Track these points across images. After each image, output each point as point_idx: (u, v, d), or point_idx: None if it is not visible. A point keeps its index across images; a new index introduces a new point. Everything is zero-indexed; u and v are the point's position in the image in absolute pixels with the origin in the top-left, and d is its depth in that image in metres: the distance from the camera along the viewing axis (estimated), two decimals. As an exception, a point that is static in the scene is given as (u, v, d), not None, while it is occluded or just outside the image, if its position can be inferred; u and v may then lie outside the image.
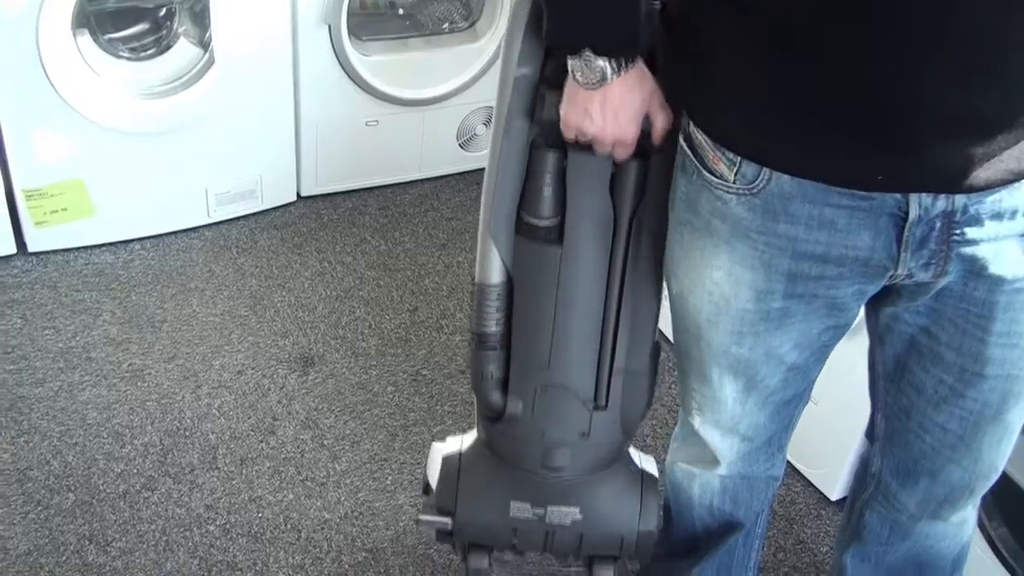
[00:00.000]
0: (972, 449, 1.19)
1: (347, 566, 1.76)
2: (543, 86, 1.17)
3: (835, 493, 2.00)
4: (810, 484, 2.02)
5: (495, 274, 1.23)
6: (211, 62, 2.37)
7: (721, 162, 1.05)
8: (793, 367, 1.19)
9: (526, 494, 1.31)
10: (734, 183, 1.04)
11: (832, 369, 1.75)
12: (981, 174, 0.96)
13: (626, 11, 1.06)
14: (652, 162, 1.18)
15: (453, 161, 2.83)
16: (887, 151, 0.96)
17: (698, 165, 1.08)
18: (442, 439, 1.43)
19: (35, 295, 2.31)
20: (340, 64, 2.54)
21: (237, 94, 2.41)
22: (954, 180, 0.97)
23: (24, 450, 1.92)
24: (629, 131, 1.12)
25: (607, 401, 1.27)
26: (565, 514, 1.31)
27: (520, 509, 1.31)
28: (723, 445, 1.30)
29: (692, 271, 1.15)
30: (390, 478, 1.95)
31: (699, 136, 1.07)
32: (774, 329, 1.14)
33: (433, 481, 1.38)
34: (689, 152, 1.09)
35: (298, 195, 2.71)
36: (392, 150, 2.73)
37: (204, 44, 2.40)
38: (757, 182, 1.03)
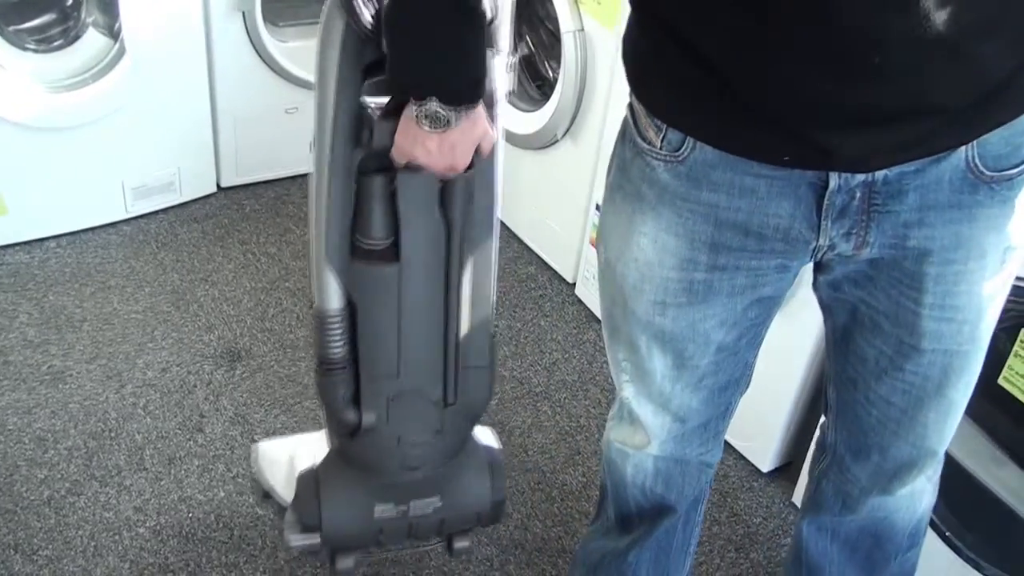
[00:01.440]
0: (917, 424, 1.21)
1: (282, 561, 1.73)
2: (369, 112, 1.16)
3: (766, 464, 2.03)
4: (742, 457, 2.04)
5: (334, 300, 1.24)
6: (122, 52, 2.31)
7: (651, 128, 1.07)
8: (722, 347, 1.20)
9: (388, 496, 1.37)
10: (661, 149, 1.07)
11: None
12: (883, 159, 0.98)
13: (475, 61, 1.08)
14: (476, 170, 1.19)
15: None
16: (791, 137, 0.98)
17: (634, 131, 1.10)
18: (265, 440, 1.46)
19: (-53, 298, 2.23)
20: (256, 51, 2.49)
21: (150, 85, 2.35)
22: (857, 163, 0.99)
23: (-59, 460, 1.86)
24: (464, 162, 1.16)
25: (456, 397, 1.33)
26: (427, 504, 1.38)
27: (384, 511, 1.37)
28: (655, 422, 1.30)
29: (621, 238, 1.16)
30: (323, 471, 1.93)
31: (635, 103, 1.10)
32: (698, 303, 1.15)
33: (272, 486, 1.40)
34: (629, 118, 1.12)
35: (218, 186, 2.66)
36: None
37: (114, 34, 2.33)
38: (682, 150, 1.05)
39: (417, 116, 1.08)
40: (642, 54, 1.08)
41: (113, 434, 1.95)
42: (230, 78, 2.49)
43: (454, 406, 1.33)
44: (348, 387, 1.29)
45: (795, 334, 1.85)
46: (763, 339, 1.26)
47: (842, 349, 1.24)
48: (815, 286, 1.23)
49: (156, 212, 2.55)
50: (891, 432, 1.24)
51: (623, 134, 1.14)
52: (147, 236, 2.48)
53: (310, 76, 2.61)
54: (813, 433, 1.92)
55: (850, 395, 1.26)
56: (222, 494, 1.86)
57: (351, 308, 1.24)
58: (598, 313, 2.38)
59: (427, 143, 1.11)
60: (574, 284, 2.48)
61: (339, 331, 1.25)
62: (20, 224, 2.38)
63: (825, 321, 1.28)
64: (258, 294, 2.35)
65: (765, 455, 2.03)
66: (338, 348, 1.25)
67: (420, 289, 1.24)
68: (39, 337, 2.15)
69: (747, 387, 1.33)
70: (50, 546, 1.73)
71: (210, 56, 2.44)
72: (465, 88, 1.08)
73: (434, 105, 1.06)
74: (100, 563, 1.71)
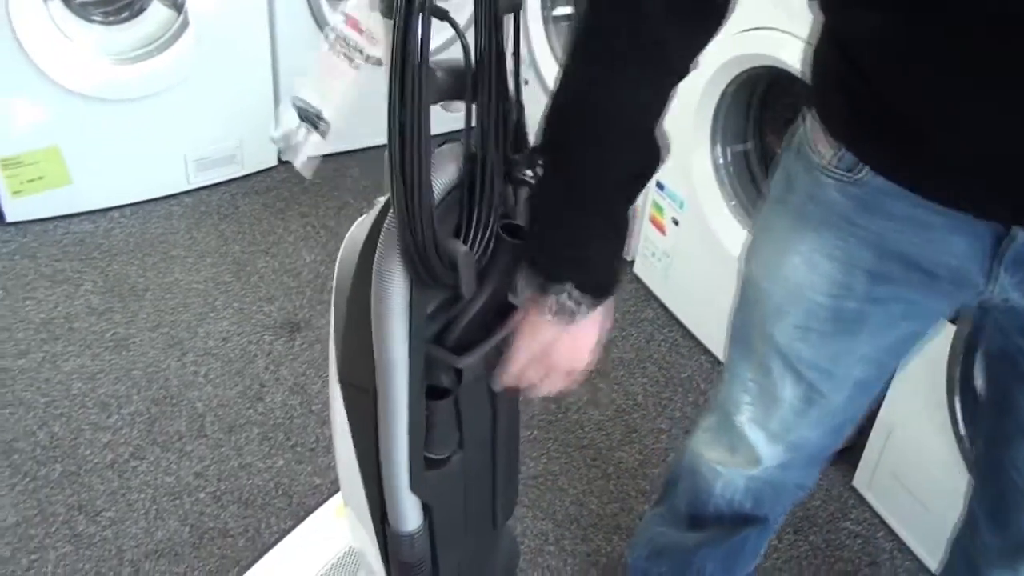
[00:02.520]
0: None
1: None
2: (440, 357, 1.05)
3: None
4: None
5: (415, 521, 1.17)
6: (185, 24, 2.33)
7: (826, 144, 1.00)
8: (859, 384, 1.14)
9: None
10: (835, 168, 1.00)
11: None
12: None
13: (624, 241, 0.96)
14: None
15: (434, 122, 2.80)
16: (980, 189, 0.91)
17: (807, 143, 1.04)
18: None
19: (15, 266, 2.27)
20: (317, 23, 2.49)
21: (213, 57, 2.37)
22: None
23: (9, 422, 1.89)
24: (580, 366, 1.04)
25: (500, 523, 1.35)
26: None
27: None
28: (766, 451, 1.24)
29: (772, 255, 1.11)
30: (380, 442, 1.94)
31: (813, 118, 1.03)
32: (844, 334, 1.09)
33: None
34: (803, 129, 1.05)
35: (279, 159, 2.67)
36: (373, 111, 2.67)
37: (178, 6, 2.35)
38: (856, 170, 0.98)
39: (545, 306, 0.95)
40: (830, 73, 1.00)
41: (174, 401, 1.98)
42: (292, 50, 2.50)
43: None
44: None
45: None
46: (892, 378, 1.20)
47: (998, 403, 1.14)
48: (973, 330, 1.16)
49: (217, 184, 2.57)
50: None
51: (793, 144, 1.07)
52: (208, 208, 2.51)
53: (372, 49, 2.56)
54: (874, 417, 1.90)
55: (1000, 455, 1.16)
56: (281, 462, 1.88)
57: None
58: (656, 291, 2.37)
59: (555, 343, 0.98)
60: (632, 262, 2.46)
61: (420, 542, 1.21)
62: (85, 194, 2.41)
63: (983, 371, 1.21)
64: (317, 266, 2.36)
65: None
66: (422, 557, 1.22)
67: (480, 469, 1.23)
68: (103, 305, 2.19)
69: (860, 418, 1.26)
70: (113, 508, 1.76)
71: (272, 29, 2.45)
72: (614, 273, 0.98)
73: (568, 297, 0.94)
74: (161, 526, 1.74)
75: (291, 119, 1.05)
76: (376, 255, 0.95)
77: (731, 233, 2.05)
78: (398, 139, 0.87)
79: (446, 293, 1.01)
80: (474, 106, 0.95)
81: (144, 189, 2.48)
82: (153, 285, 2.25)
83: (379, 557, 1.25)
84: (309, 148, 1.03)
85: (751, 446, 1.25)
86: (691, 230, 2.19)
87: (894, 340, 1.10)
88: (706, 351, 2.23)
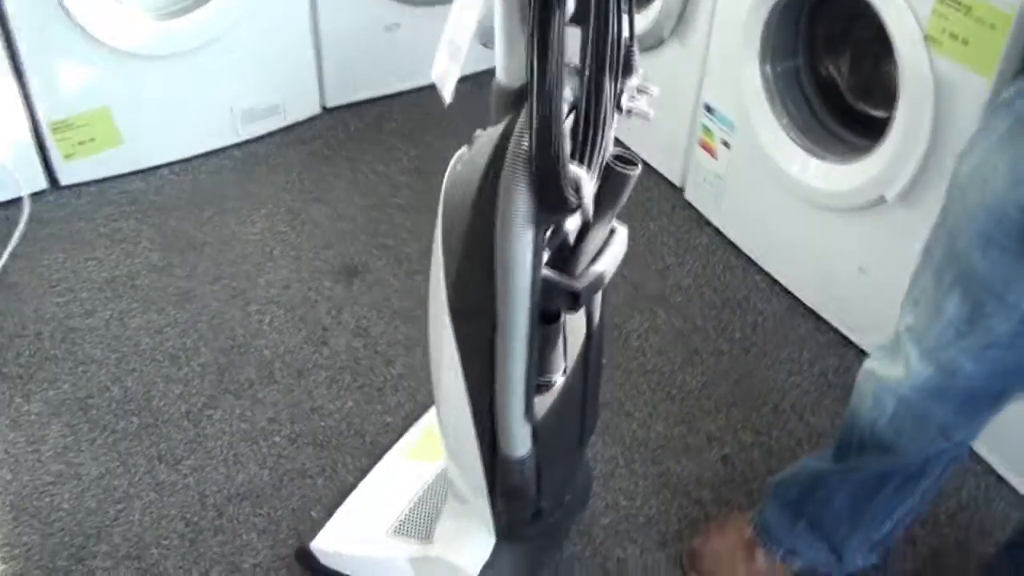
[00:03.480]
0: None
1: (414, 466, 1.78)
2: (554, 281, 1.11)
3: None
4: (865, 352, 2.02)
5: (524, 447, 1.22)
6: (223, -24, 2.32)
7: None
8: (1006, 345, 1.11)
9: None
10: None
11: (882, 239, 1.74)
12: None
13: None
14: None
15: (475, 60, 2.78)
16: None
17: None
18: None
19: (73, 228, 2.30)
20: (353, -31, 2.48)
21: (253, 7, 2.36)
22: None
23: (83, 380, 1.94)
24: None
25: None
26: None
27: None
28: (917, 367, 1.22)
29: (983, 155, 1.09)
30: (446, 378, 1.96)
31: None
32: None
33: None
34: None
35: (323, 107, 2.68)
36: (414, 53, 2.67)
37: (214, -42, 2.34)
38: None
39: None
40: None
41: (242, 350, 2.01)
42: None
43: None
44: (533, 503, 1.32)
45: (917, 221, 1.81)
46: None
47: None
48: None
49: (264, 136, 2.58)
50: None
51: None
52: (257, 159, 2.52)
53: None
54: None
55: None
56: (351, 403, 1.91)
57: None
58: (709, 216, 2.36)
59: None
60: (682, 189, 2.45)
61: (529, 466, 1.24)
62: (135, 153, 2.43)
63: None
64: (369, 211, 2.38)
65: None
66: (529, 480, 1.26)
67: (572, 386, 1.27)
68: (163, 261, 2.22)
69: (1018, 397, 1.22)
70: (192, 456, 1.81)
71: (310, -24, 2.44)
72: None
73: None
74: (241, 470, 1.78)
75: (443, 58, 1.09)
76: (503, 182, 0.98)
77: (783, 151, 2.03)
78: (536, 60, 0.90)
79: (562, 218, 1.03)
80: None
81: (193, 144, 2.50)
82: (210, 238, 2.28)
83: (481, 488, 1.28)
84: (453, 78, 1.08)
85: (906, 356, 1.23)
86: (742, 151, 2.17)
87: None
88: (761, 271, 2.22)
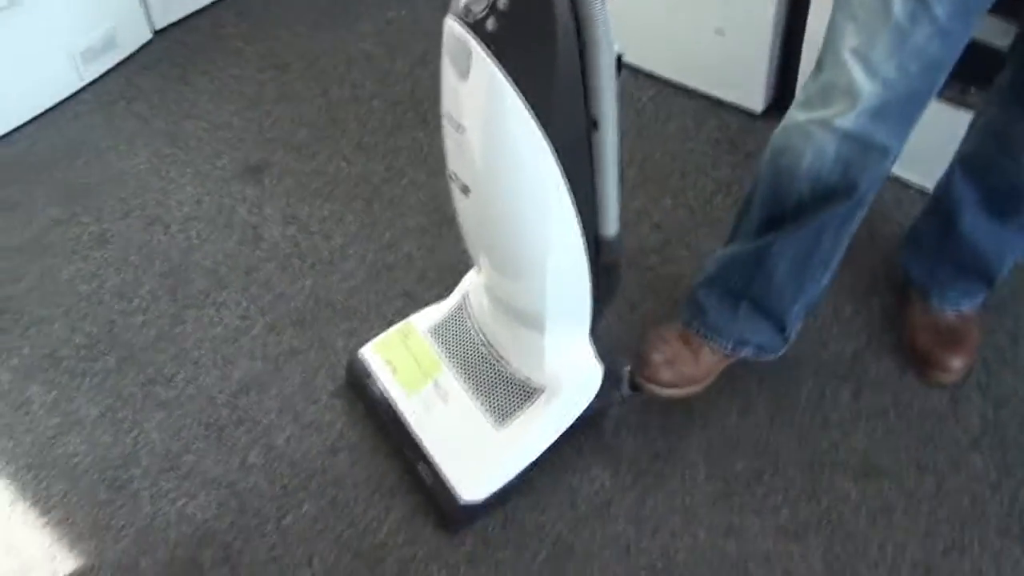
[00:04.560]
0: None
1: (391, 314, 1.90)
2: None
3: (759, 106, 2.25)
4: (736, 107, 2.26)
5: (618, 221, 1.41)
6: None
7: None
8: (968, 6, 1.26)
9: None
10: None
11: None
12: None
13: None
14: None
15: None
16: None
17: None
18: None
19: (-48, 211, 2.24)
20: None
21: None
22: None
23: (40, 339, 1.94)
24: None
25: None
26: None
27: None
28: (866, 87, 1.33)
29: None
30: (387, 234, 2.08)
31: None
32: None
33: None
34: None
35: (153, 31, 2.64)
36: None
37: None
38: None
39: None
40: None
41: (182, 268, 2.05)
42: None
43: None
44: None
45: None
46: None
47: None
48: None
49: (108, 73, 2.54)
50: None
51: None
52: (111, 97, 2.49)
53: None
54: (796, 67, 2.14)
55: None
56: (309, 281, 2.00)
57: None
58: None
59: None
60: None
61: (621, 241, 1.43)
62: (-11, 120, 2.36)
63: None
64: (244, 113, 2.41)
65: (755, 98, 2.25)
66: (620, 252, 1.44)
67: None
68: (65, 213, 2.20)
69: (929, 101, 1.39)
70: (181, 371, 1.87)
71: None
72: None
73: None
74: (235, 368, 1.86)
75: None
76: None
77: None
78: None
79: None
80: None
81: (43, 99, 2.43)
82: (101, 180, 2.27)
83: (583, 293, 1.48)
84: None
85: (851, 79, 1.33)
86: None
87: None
88: (626, 66, 2.40)
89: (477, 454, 1.58)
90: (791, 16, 2.11)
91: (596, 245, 1.41)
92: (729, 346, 1.67)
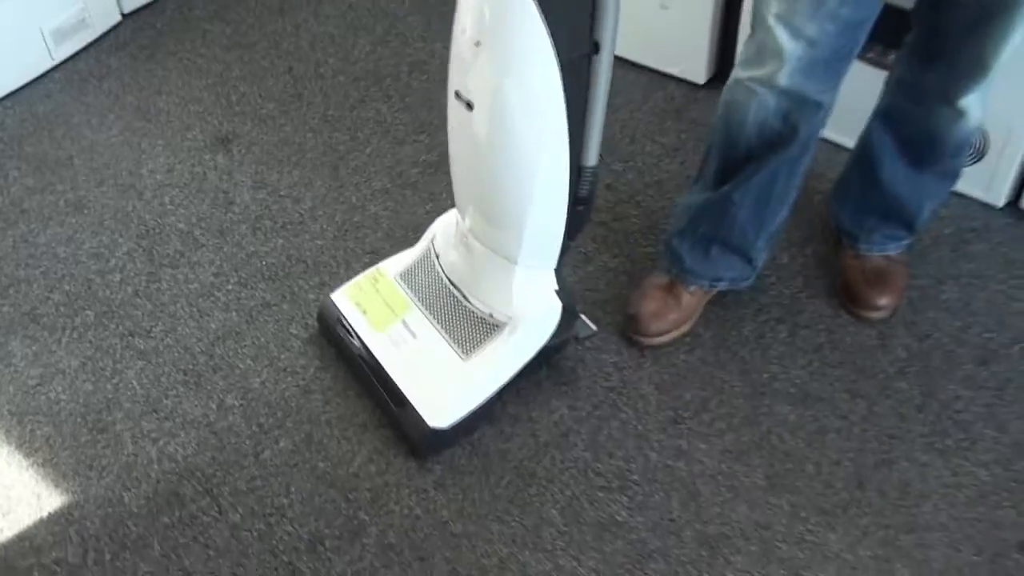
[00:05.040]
0: (980, 35, 1.50)
1: (360, 268, 2.00)
2: None
3: (702, 78, 2.39)
4: (681, 80, 2.40)
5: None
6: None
7: None
8: None
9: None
10: None
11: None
12: None
13: None
14: None
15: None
16: None
17: None
18: None
19: (-73, 184, 2.31)
20: None
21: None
22: None
23: (19, 299, 2.02)
24: None
25: None
26: None
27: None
28: (789, 46, 1.50)
29: None
30: (354, 197, 2.19)
31: None
32: None
33: None
34: None
35: (122, 14, 2.73)
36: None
37: None
38: None
39: None
40: None
41: (158, 230, 2.15)
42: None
43: None
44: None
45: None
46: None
47: None
48: None
49: (78, 53, 2.62)
50: (957, 39, 1.53)
51: None
52: (82, 75, 2.57)
53: None
54: (734, 41, 2.29)
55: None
56: (280, 240, 2.10)
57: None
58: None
59: None
60: None
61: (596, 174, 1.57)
62: (-43, 100, 2.43)
63: None
64: (213, 88, 2.51)
65: (698, 69, 2.39)
66: (595, 187, 1.59)
67: None
68: (40, 183, 2.28)
69: (854, 57, 1.57)
70: (159, 324, 1.96)
71: None
72: None
73: None
74: (211, 319, 1.96)
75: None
76: None
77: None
78: None
79: None
80: None
81: (15, 76, 2.51)
82: (74, 152, 2.35)
83: (557, 223, 1.61)
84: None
85: (777, 42, 1.51)
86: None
87: None
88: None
89: (444, 384, 1.70)
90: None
91: (577, 174, 1.54)
92: (706, 284, 1.85)
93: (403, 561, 1.59)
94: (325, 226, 2.13)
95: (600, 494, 1.66)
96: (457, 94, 1.51)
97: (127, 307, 1.99)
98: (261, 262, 2.07)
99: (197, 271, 2.05)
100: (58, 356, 1.91)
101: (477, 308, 1.73)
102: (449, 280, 1.78)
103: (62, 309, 2.00)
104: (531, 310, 1.69)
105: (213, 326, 1.95)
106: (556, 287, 1.70)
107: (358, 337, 1.78)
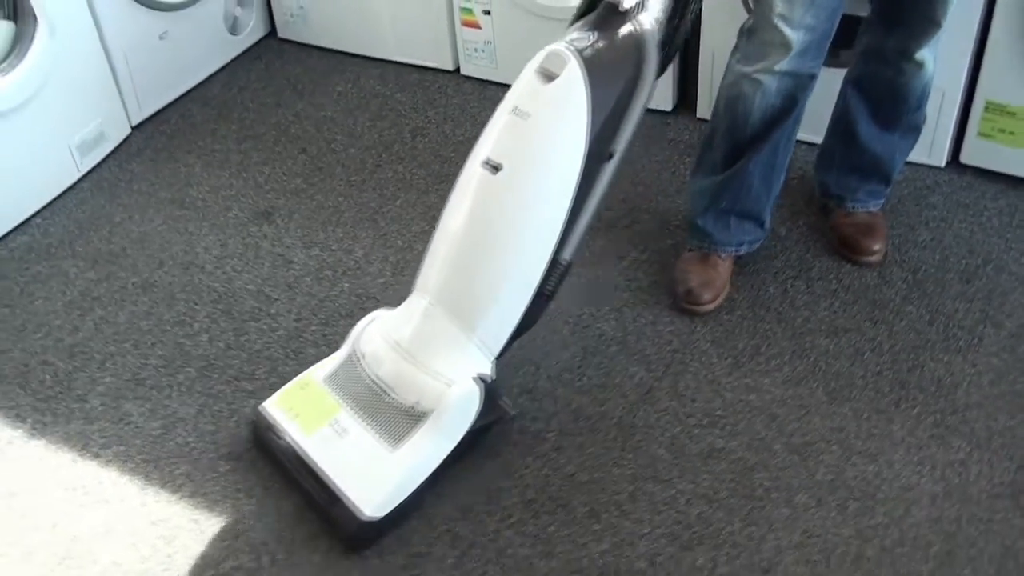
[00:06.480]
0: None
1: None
2: None
3: (668, 105, 2.77)
4: (653, 109, 2.78)
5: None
6: (25, 28, 2.54)
7: None
8: None
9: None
10: None
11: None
12: None
13: None
14: None
15: (225, 49, 3.20)
16: None
17: None
18: None
19: (-13, 293, 2.46)
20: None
21: (57, 54, 2.59)
22: None
23: (116, 369, 2.16)
24: None
25: None
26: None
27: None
28: (793, 36, 1.84)
29: None
30: (399, 240, 2.47)
31: None
32: None
33: None
34: None
35: (131, 126, 2.95)
36: (187, 53, 3.04)
37: (12, 15, 2.53)
38: None
39: None
40: None
41: (229, 294, 2.35)
42: (110, 18, 2.77)
43: None
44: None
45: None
46: None
47: None
48: None
49: (100, 164, 2.82)
50: (912, 5, 1.95)
51: None
52: (111, 181, 2.76)
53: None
54: (695, 72, 2.68)
55: None
56: (346, 284, 2.35)
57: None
58: (489, 78, 2.98)
59: None
60: (458, 69, 3.07)
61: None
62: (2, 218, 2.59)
63: None
64: (238, 175, 2.75)
65: (667, 101, 2.78)
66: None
67: None
68: (102, 274, 2.45)
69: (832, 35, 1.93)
70: (259, 367, 2.16)
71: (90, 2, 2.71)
72: None
73: None
74: (304, 356, 2.17)
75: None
76: (645, 55, 1.73)
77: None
78: None
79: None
80: None
81: (49, 189, 2.68)
82: (126, 243, 2.54)
83: (514, 313, 1.81)
84: None
85: (783, 35, 1.85)
86: (502, 10, 2.82)
87: None
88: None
89: (375, 476, 1.77)
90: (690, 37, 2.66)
91: (551, 265, 1.80)
92: (732, 250, 2.19)
93: (547, 510, 1.82)
94: (381, 267, 2.38)
95: (696, 430, 1.94)
96: (486, 160, 1.77)
97: (224, 359, 2.19)
98: (334, 304, 2.30)
99: (279, 320, 2.27)
100: (173, 408, 2.09)
101: (401, 400, 1.83)
102: (374, 376, 1.88)
103: (162, 370, 2.18)
104: (451, 398, 1.78)
105: (310, 361, 2.16)
106: (489, 373, 1.82)
107: (291, 441, 1.87)
